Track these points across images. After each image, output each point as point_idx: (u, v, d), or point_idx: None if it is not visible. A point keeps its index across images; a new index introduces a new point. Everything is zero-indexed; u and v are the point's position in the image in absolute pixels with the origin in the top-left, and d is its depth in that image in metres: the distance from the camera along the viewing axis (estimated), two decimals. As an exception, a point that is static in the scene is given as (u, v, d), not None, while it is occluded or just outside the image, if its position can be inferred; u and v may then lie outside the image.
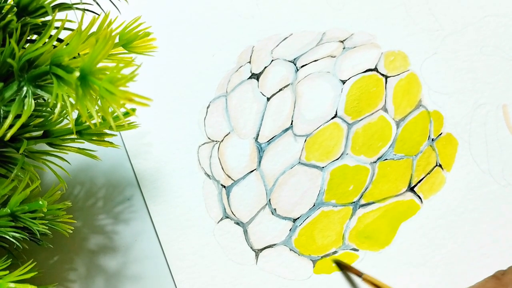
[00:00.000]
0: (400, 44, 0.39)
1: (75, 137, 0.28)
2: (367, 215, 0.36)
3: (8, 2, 0.25)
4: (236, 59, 0.38)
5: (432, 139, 0.38)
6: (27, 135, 0.27)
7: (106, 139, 0.29)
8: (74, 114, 0.24)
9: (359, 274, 0.35)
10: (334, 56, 0.38)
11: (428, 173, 0.38)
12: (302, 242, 0.36)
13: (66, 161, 0.29)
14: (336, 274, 0.36)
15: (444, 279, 0.36)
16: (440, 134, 0.38)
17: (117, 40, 0.28)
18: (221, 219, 0.36)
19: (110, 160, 0.36)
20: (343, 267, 0.36)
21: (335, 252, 0.36)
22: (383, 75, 0.38)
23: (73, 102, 0.20)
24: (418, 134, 0.38)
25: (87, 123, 0.25)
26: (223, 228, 0.35)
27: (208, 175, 0.36)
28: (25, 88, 0.22)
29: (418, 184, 0.37)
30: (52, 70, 0.21)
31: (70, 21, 0.25)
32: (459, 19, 0.40)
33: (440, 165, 0.38)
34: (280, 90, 0.37)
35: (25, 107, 0.21)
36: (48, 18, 0.26)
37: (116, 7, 0.29)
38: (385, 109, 0.38)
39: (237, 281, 0.35)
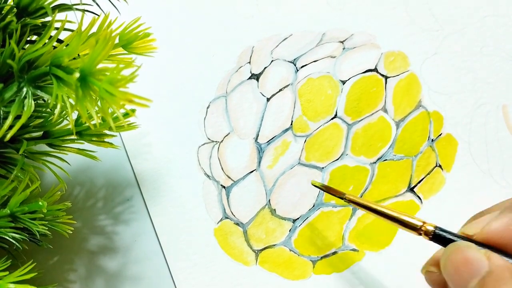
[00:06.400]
0: (400, 44, 0.39)
1: (75, 137, 0.28)
2: (367, 215, 0.36)
3: (8, 2, 0.25)
4: (236, 59, 0.38)
5: (432, 140, 0.38)
6: (27, 136, 0.27)
7: (106, 139, 0.29)
8: (74, 115, 0.24)
9: (342, 195, 0.32)
10: (334, 57, 0.38)
11: (428, 174, 0.38)
12: (301, 242, 0.36)
13: (66, 161, 0.29)
14: (336, 274, 0.36)
15: (444, 279, 0.36)
16: (440, 135, 0.38)
17: (117, 41, 0.28)
18: (221, 220, 0.36)
19: (110, 161, 0.36)
20: (326, 190, 0.35)
21: (335, 253, 0.36)
22: (383, 75, 0.38)
23: (73, 103, 0.20)
24: (418, 134, 0.38)
25: (87, 124, 0.25)
26: (223, 229, 0.35)
27: (208, 176, 0.36)
28: (25, 89, 0.22)
29: (418, 185, 0.37)
30: (52, 71, 0.21)
31: (70, 21, 0.25)
32: (459, 19, 0.40)
33: (440, 166, 0.38)
34: (280, 90, 0.37)
35: (25, 108, 0.21)
36: (48, 19, 0.26)
37: (116, 7, 0.29)
38: (385, 110, 0.38)
39: (237, 281, 0.35)
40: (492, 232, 0.24)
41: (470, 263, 0.24)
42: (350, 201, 0.31)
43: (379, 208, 0.29)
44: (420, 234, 0.27)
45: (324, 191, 0.35)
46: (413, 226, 0.27)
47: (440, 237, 0.26)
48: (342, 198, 0.32)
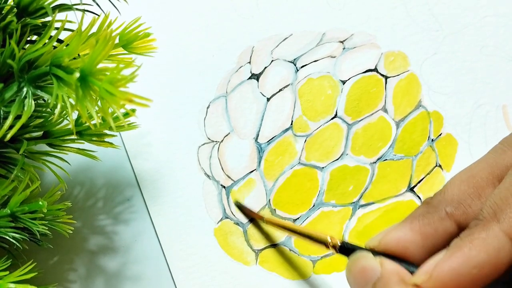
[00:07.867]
0: (400, 44, 0.39)
1: (75, 137, 0.28)
2: (367, 215, 0.36)
3: (8, 2, 0.25)
4: (236, 60, 0.38)
5: (432, 140, 0.38)
6: (27, 135, 0.27)
7: (106, 139, 0.29)
8: (74, 115, 0.24)
9: (261, 218, 0.34)
10: (334, 57, 0.38)
11: (428, 174, 0.38)
12: (301, 242, 0.36)
13: (66, 161, 0.29)
14: (336, 274, 0.36)
15: (444, 279, 0.36)
16: (440, 135, 0.38)
17: (117, 41, 0.28)
18: (221, 219, 0.36)
19: (110, 161, 0.36)
20: (244, 211, 0.36)
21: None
22: (383, 75, 0.38)
23: (73, 103, 0.20)
24: (418, 134, 0.38)
25: (87, 124, 0.25)
26: (223, 229, 0.35)
27: (208, 176, 0.36)
28: (25, 89, 0.22)
29: (418, 185, 0.37)
30: (52, 71, 0.21)
31: (70, 21, 0.25)
32: (459, 19, 0.40)
33: (440, 166, 0.38)
34: (280, 90, 0.37)
35: (25, 108, 0.21)
36: (48, 19, 0.26)
37: (116, 7, 0.29)
38: (385, 110, 0.38)
39: (237, 281, 0.35)
40: (387, 244, 0.26)
41: (365, 271, 0.25)
42: (268, 223, 0.34)
43: (293, 228, 0.32)
44: (328, 248, 0.29)
45: (242, 211, 0.36)
46: (323, 241, 0.29)
47: (347, 250, 0.28)
48: (261, 220, 0.34)
